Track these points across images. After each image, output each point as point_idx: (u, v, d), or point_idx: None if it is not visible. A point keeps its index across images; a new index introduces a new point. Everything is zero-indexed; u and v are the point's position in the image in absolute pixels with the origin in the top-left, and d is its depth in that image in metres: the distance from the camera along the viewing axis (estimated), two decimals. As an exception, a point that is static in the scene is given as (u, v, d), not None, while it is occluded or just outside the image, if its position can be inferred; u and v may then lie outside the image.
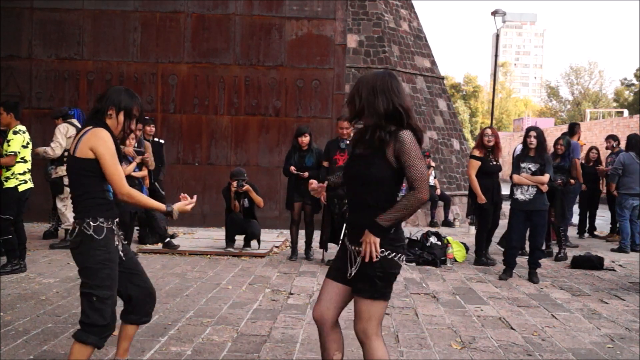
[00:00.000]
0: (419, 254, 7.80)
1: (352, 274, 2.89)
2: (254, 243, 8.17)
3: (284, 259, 7.86)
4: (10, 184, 6.28)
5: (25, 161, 6.42)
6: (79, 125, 7.80)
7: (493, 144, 7.75)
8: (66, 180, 7.70)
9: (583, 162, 10.48)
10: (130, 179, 7.29)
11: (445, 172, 13.88)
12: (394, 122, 2.86)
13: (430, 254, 7.74)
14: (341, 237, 7.00)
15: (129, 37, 10.73)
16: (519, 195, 6.95)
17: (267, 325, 4.82)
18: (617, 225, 10.13)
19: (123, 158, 7.11)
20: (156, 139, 9.00)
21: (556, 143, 8.73)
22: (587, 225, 11.14)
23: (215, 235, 9.23)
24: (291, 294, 5.95)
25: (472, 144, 36.84)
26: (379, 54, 13.80)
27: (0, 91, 10.23)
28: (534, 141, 6.92)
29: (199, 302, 5.50)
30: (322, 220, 7.66)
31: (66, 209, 7.96)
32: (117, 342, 3.48)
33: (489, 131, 7.89)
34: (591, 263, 7.81)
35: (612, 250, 9.45)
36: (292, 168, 7.64)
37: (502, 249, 7.93)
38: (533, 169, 6.91)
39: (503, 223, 8.51)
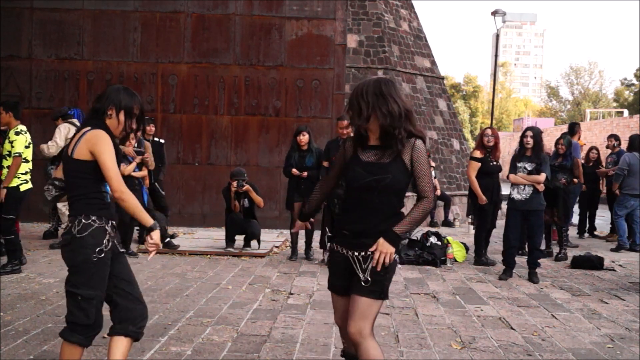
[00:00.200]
0: (419, 254, 7.79)
1: (368, 279, 2.85)
2: (254, 243, 8.17)
3: (284, 259, 7.87)
4: (12, 183, 6.29)
5: (27, 161, 6.44)
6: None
7: (493, 144, 7.76)
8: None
9: (583, 162, 10.48)
10: (130, 179, 7.29)
11: (445, 172, 13.88)
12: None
13: (430, 254, 7.74)
14: (328, 246, 6.99)
15: (129, 37, 10.73)
16: (515, 194, 6.97)
17: (267, 325, 4.82)
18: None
19: (123, 158, 7.14)
20: (156, 139, 9.00)
21: (557, 143, 8.73)
22: (587, 225, 11.14)
23: (215, 235, 9.23)
24: (291, 294, 5.95)
25: (472, 144, 36.87)
26: (379, 54, 13.80)
27: (0, 91, 10.23)
28: (530, 141, 6.93)
29: (199, 302, 5.50)
30: (322, 220, 7.66)
31: (66, 209, 7.93)
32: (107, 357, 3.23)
33: (489, 131, 7.90)
34: (591, 263, 7.81)
35: (612, 250, 9.45)
36: (295, 171, 7.64)
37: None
38: (529, 169, 6.91)
39: (500, 223, 8.50)
